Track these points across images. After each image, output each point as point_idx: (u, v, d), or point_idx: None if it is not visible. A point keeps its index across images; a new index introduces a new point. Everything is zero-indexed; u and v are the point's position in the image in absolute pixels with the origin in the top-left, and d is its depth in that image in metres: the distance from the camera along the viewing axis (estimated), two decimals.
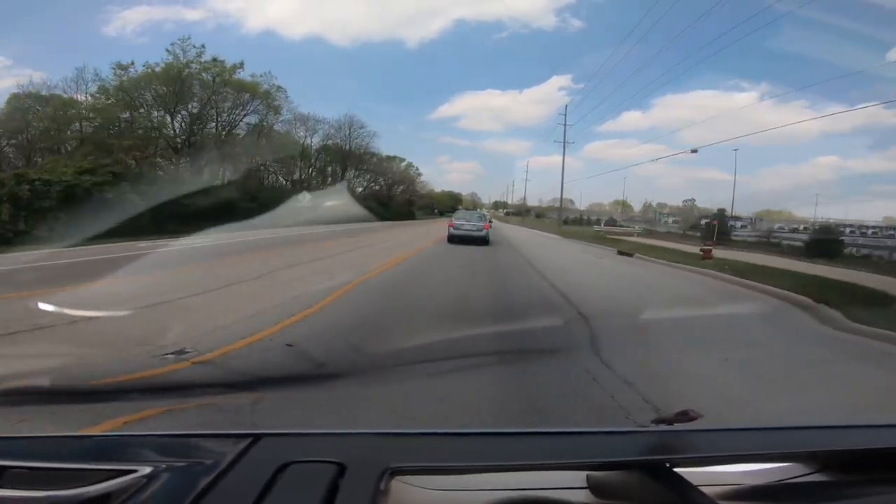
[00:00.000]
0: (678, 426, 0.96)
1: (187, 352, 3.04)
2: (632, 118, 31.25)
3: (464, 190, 42.24)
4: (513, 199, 44.33)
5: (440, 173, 54.86)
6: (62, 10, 25.67)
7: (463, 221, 13.74)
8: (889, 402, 3.06)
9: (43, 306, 3.93)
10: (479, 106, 48.45)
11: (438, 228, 16.26)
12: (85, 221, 9.79)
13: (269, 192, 19.86)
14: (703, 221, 23.56)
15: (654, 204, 35.11)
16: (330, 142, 26.44)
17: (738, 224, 25.59)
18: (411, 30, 42.31)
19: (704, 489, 0.79)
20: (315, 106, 43.57)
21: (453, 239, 12.94)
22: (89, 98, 18.45)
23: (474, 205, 33.91)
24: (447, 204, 34.98)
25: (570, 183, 41.24)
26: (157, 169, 17.00)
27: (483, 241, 13.03)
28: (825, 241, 18.71)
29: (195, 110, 19.46)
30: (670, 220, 25.83)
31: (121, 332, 3.58)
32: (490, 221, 16.07)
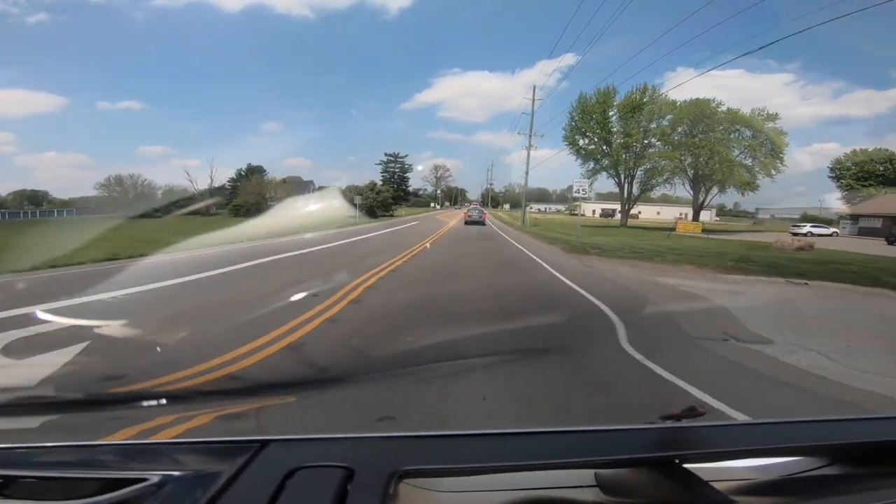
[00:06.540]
0: (686, 422, 0.96)
1: None
2: None
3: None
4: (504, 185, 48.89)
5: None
6: None
7: (472, 212, 28.26)
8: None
9: None
10: (464, 91, 48.94)
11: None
12: None
13: None
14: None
15: None
16: None
17: None
18: None
19: (714, 484, 0.79)
20: (270, 98, 41.21)
21: (467, 221, 26.96)
22: None
23: (450, 190, 55.53)
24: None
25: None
26: None
27: (482, 223, 26.70)
28: None
29: None
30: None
31: None
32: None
